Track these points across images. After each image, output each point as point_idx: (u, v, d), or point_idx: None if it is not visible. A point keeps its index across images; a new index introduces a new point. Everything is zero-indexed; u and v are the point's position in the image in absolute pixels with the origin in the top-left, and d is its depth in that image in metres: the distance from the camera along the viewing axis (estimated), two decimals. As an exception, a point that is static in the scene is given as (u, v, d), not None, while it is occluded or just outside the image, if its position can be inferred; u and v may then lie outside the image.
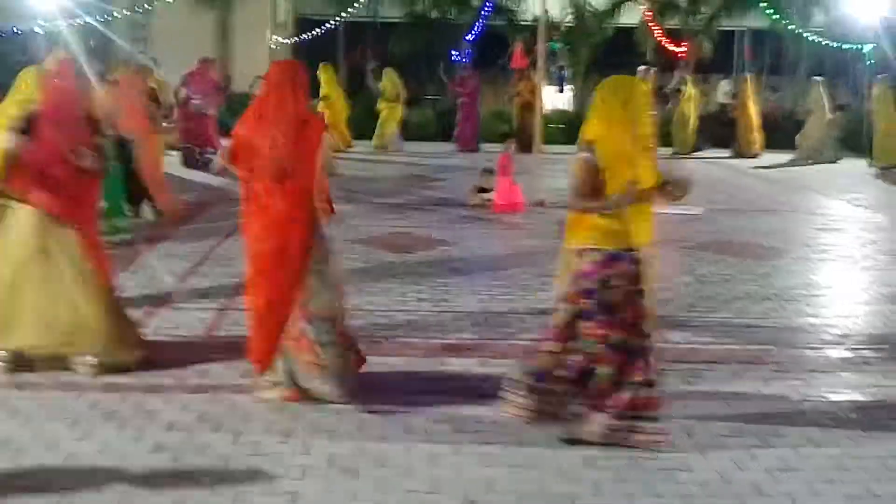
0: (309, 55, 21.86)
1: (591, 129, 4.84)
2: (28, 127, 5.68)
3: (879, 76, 19.33)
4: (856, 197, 14.72)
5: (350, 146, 19.28)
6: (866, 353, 6.68)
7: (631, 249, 4.78)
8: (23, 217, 5.76)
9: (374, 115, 19.83)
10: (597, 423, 4.82)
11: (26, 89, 6.45)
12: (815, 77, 21.05)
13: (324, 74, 18.60)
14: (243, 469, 4.59)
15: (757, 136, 20.47)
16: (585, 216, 4.82)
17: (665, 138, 19.65)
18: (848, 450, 4.97)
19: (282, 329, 5.30)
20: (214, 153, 15.53)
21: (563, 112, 24.64)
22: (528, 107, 20.15)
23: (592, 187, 4.72)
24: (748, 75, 22.46)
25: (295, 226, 5.23)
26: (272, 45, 25.76)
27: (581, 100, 24.90)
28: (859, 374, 6.24)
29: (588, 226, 4.80)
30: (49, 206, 5.73)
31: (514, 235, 11.08)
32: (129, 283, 7.67)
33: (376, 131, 19.60)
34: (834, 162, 19.36)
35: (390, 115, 19.60)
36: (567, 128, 22.40)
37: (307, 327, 5.27)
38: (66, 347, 5.78)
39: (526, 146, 17.00)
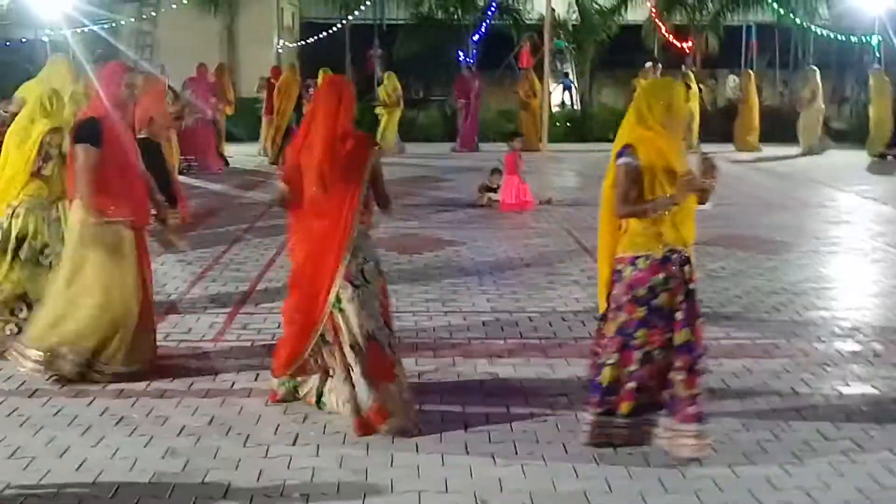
0: (315, 59, 21.91)
1: (631, 132, 4.78)
2: (96, 137, 5.66)
3: (875, 67, 19.55)
4: (864, 189, 14.69)
5: None
6: (877, 345, 6.66)
7: (678, 250, 4.73)
8: (84, 223, 5.75)
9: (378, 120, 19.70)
10: (685, 434, 4.70)
11: (53, 106, 6.50)
12: (810, 67, 21.11)
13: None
14: (254, 472, 4.60)
15: (754, 133, 20.46)
16: (628, 223, 4.76)
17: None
18: (859, 443, 4.95)
19: (306, 340, 5.19)
20: (194, 161, 15.74)
21: (569, 111, 24.66)
22: (525, 107, 20.20)
23: (636, 191, 4.67)
24: (750, 71, 22.47)
25: (330, 242, 5.05)
26: (279, 50, 25.83)
27: (588, 98, 24.90)
28: (870, 366, 6.22)
29: (633, 232, 4.74)
30: (119, 213, 5.74)
31: (522, 235, 11.06)
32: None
33: (378, 136, 19.52)
34: (821, 153, 19.48)
35: (390, 119, 19.46)
36: (573, 126, 22.44)
37: (337, 352, 5.15)
38: (95, 353, 5.79)
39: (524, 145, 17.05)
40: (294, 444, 4.93)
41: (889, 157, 18.55)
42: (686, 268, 4.74)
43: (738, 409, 5.40)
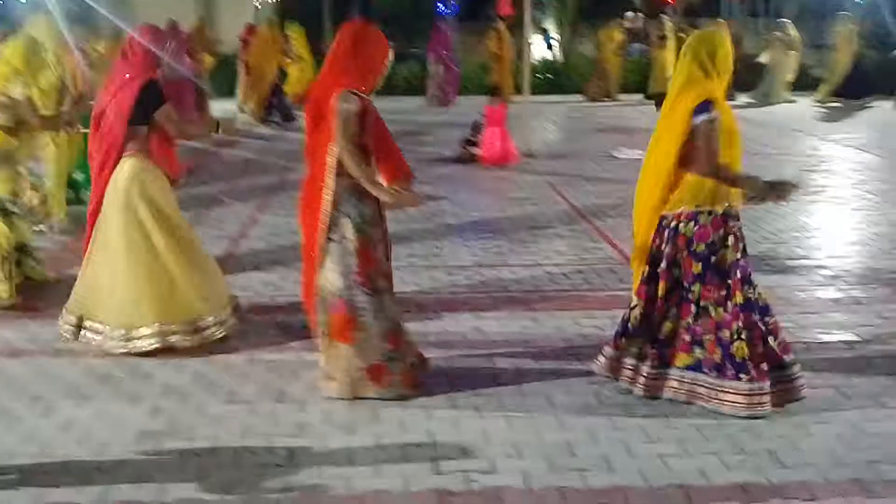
0: (294, 13, 21.66)
1: (708, 86, 4.63)
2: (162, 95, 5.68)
3: (843, 13, 19.63)
4: (845, 137, 14.70)
5: None
6: (857, 292, 6.71)
7: (735, 207, 4.72)
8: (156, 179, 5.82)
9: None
10: (768, 390, 4.64)
11: (29, 65, 6.51)
12: (782, 19, 21.12)
13: (293, 34, 18.06)
14: (240, 429, 4.61)
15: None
16: (683, 178, 4.68)
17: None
18: (842, 389, 5.00)
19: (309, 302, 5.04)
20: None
21: (550, 62, 24.52)
22: (496, 59, 20.05)
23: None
24: (720, 20, 22.37)
25: (316, 196, 4.83)
26: (257, 5, 25.51)
27: (569, 50, 24.77)
28: (851, 313, 6.27)
29: (695, 188, 4.66)
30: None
31: (505, 189, 11.04)
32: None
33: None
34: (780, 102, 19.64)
35: None
36: (555, 77, 22.33)
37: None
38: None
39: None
40: (279, 400, 4.94)
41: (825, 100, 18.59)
42: (740, 225, 4.73)
43: (720, 358, 5.42)
